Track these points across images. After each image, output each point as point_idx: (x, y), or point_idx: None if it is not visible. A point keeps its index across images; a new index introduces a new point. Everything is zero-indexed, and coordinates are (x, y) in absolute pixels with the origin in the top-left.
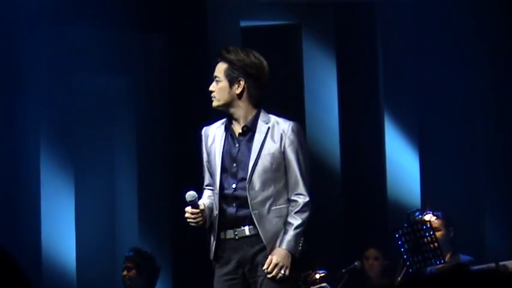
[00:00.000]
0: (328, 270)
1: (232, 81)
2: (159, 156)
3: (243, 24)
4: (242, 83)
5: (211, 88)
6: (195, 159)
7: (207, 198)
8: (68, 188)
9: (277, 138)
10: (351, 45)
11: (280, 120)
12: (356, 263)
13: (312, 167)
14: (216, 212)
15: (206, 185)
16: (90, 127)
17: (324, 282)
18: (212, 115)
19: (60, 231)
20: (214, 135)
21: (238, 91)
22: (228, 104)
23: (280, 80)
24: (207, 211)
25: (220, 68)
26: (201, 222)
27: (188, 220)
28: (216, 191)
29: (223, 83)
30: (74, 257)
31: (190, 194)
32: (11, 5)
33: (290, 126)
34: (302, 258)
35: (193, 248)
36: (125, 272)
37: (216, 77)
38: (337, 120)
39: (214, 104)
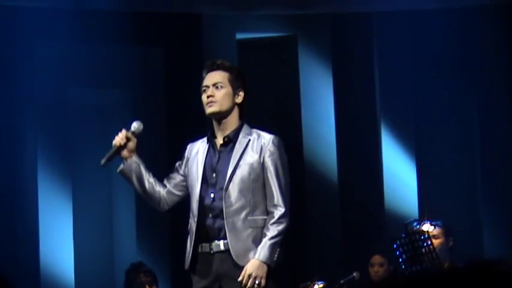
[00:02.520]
0: (326, 281)
1: (235, 90)
2: (156, 168)
3: (238, 36)
4: (242, 93)
5: (209, 93)
6: None
7: (148, 174)
8: (65, 201)
9: (257, 149)
10: (347, 56)
11: (262, 133)
12: (354, 274)
13: (309, 178)
14: (194, 224)
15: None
16: (87, 140)
17: None
18: (208, 126)
19: (58, 244)
20: (198, 149)
21: (239, 100)
22: (227, 112)
23: (276, 92)
24: (134, 159)
25: (223, 76)
26: (116, 144)
27: (114, 142)
28: (195, 201)
29: (228, 89)
30: (73, 270)
31: (135, 123)
32: (9, 20)
33: (271, 139)
34: (300, 269)
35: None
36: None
37: (218, 83)
38: (334, 131)
39: (215, 109)
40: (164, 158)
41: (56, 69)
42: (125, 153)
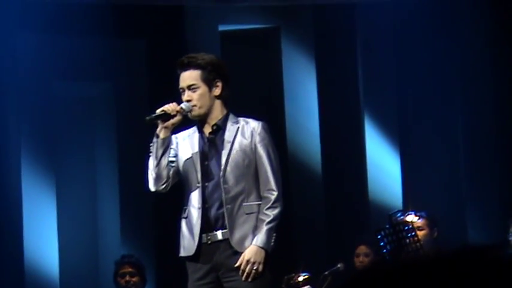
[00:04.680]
0: (311, 272)
1: (210, 85)
2: (140, 160)
3: (221, 28)
4: (219, 84)
5: (187, 98)
6: None
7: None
8: (49, 194)
9: (248, 135)
10: (330, 48)
11: (249, 120)
12: (339, 265)
13: (292, 169)
14: (192, 214)
15: None
16: (71, 133)
17: (307, 285)
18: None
19: (43, 238)
20: (185, 138)
21: (217, 93)
22: (208, 110)
23: (259, 83)
24: (169, 134)
25: (194, 75)
26: (167, 111)
27: (164, 107)
28: (192, 190)
29: (203, 89)
30: (57, 264)
31: (186, 103)
32: None
33: (260, 124)
34: (285, 260)
35: (176, 251)
36: (127, 278)
37: (192, 85)
38: (317, 123)
39: (195, 113)
40: (148, 151)
41: (38, 63)
42: (169, 123)
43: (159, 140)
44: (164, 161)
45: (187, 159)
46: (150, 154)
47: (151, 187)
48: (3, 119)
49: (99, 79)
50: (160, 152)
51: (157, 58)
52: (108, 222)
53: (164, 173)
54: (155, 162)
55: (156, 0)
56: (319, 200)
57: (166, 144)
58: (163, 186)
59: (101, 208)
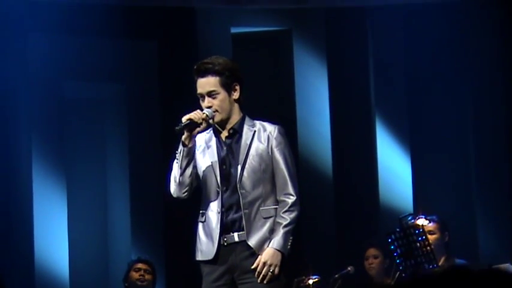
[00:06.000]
0: (321, 275)
1: (229, 90)
2: (151, 162)
3: (233, 30)
4: (237, 87)
5: (207, 104)
6: None
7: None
8: (60, 195)
9: (264, 139)
10: (341, 50)
11: (266, 123)
12: (349, 268)
13: (303, 172)
14: (211, 217)
15: None
16: (82, 134)
17: None
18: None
19: (53, 239)
20: (203, 141)
21: (236, 96)
22: (229, 114)
23: (271, 86)
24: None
25: (213, 82)
26: (194, 119)
27: (190, 116)
28: (211, 194)
29: (223, 95)
30: (67, 265)
31: (209, 109)
32: (2, 13)
33: (276, 129)
34: (295, 263)
35: (186, 254)
36: (142, 272)
37: (212, 91)
38: (328, 125)
39: (218, 118)
40: (158, 152)
41: (50, 63)
42: (195, 132)
43: (186, 149)
44: (188, 171)
45: (208, 166)
46: (176, 161)
47: (174, 193)
48: (14, 120)
49: (111, 80)
50: (186, 161)
51: (168, 60)
52: (118, 224)
53: (187, 181)
54: (180, 171)
55: (168, 1)
56: (330, 202)
57: (192, 153)
58: (186, 193)
59: (112, 210)
